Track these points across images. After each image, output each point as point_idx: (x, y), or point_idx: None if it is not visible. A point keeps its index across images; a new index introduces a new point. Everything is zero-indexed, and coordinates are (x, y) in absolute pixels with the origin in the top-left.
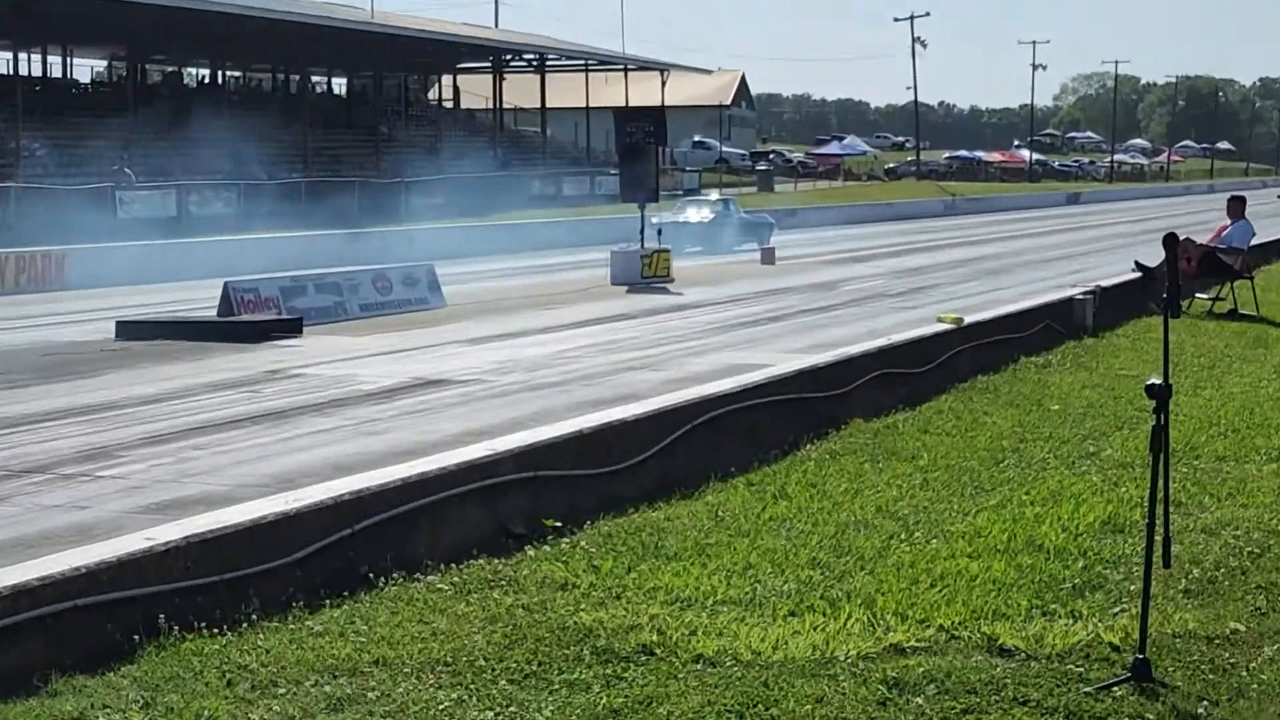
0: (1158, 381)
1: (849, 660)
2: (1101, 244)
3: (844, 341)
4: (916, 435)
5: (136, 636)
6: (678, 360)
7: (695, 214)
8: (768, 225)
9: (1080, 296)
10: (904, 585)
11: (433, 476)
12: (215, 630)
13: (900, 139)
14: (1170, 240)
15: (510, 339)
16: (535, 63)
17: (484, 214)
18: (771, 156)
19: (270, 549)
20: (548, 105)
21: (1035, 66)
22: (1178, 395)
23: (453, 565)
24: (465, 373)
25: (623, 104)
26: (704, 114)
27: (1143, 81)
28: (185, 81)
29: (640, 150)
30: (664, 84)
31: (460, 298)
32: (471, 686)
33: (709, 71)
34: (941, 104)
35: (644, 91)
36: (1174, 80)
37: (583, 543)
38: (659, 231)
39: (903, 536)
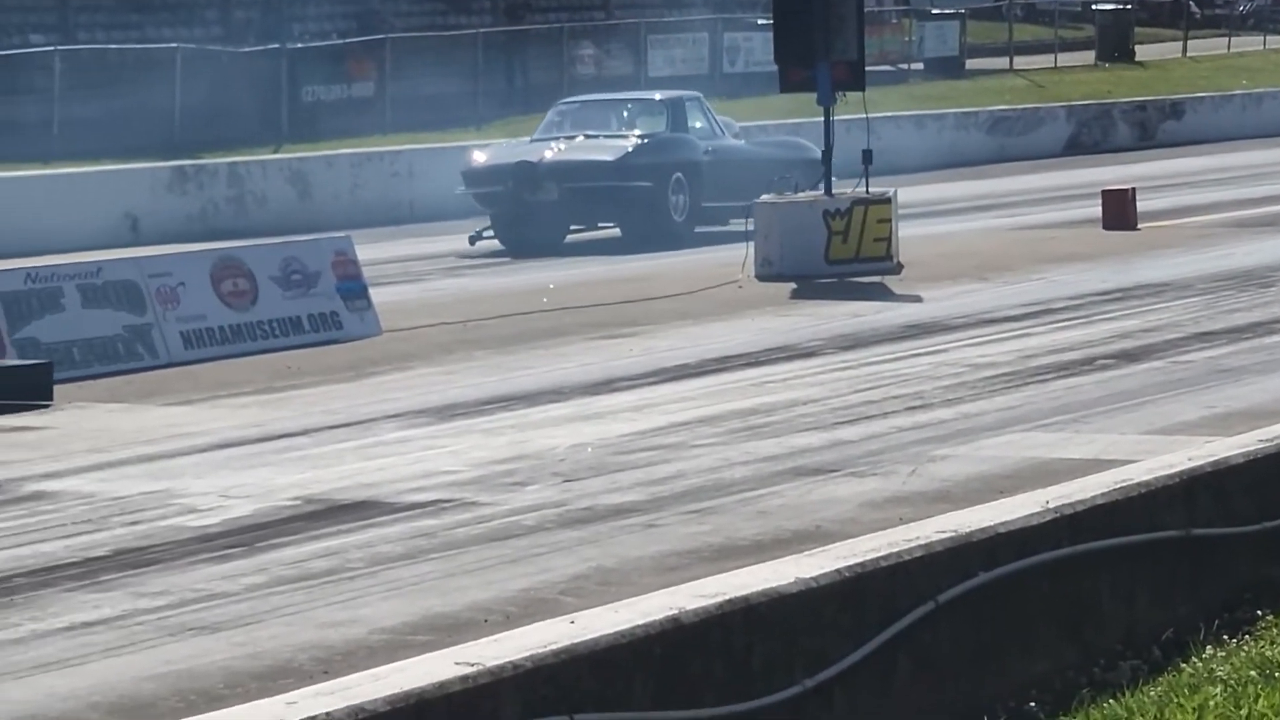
0: None
1: None
2: None
3: None
4: None
5: None
6: (910, 450)
7: (575, 142)
8: (798, 164)
9: None
10: None
11: None
12: None
13: None
14: None
15: (518, 406)
16: None
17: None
18: None
19: None
20: None
21: None
22: None
23: None
24: (420, 485)
25: None
26: None
27: None
28: None
29: None
30: None
31: (408, 311)
32: None
33: None
34: None
35: None
36: None
37: None
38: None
39: None
